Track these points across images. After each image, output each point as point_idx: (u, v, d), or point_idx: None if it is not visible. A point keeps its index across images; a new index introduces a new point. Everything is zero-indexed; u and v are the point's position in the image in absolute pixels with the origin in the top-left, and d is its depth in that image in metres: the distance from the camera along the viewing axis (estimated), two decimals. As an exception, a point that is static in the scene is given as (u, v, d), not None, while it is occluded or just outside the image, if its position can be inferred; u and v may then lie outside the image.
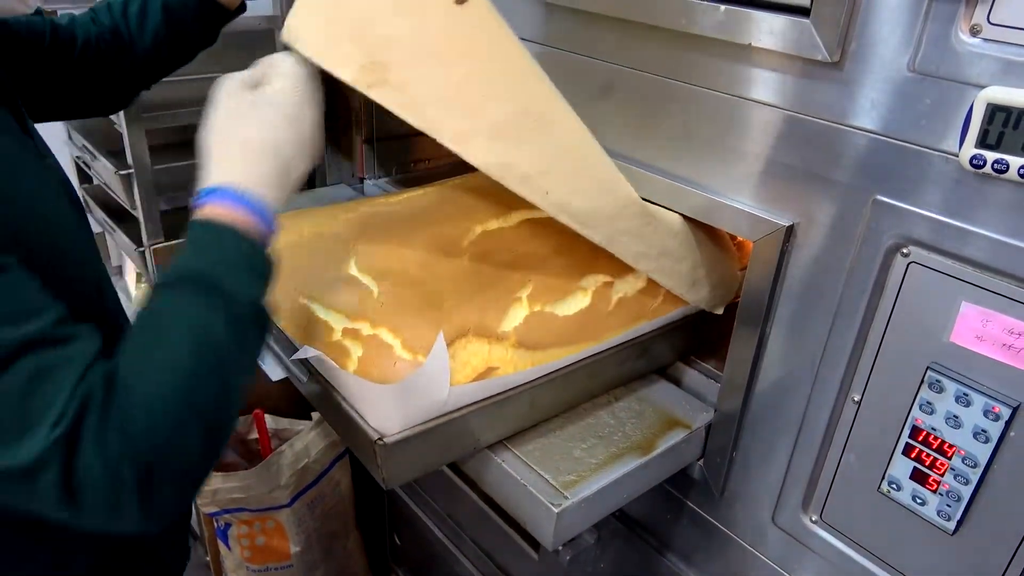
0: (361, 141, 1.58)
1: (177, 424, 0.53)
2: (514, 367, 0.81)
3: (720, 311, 0.99)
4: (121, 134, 1.56)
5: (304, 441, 1.61)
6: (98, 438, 0.49)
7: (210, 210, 0.62)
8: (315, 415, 1.70)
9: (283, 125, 0.68)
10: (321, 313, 0.83)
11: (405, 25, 0.72)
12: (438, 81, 0.72)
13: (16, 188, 0.61)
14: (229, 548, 1.64)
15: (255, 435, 1.72)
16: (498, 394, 0.80)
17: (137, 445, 0.51)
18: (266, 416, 1.70)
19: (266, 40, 1.73)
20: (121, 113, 1.51)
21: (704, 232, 0.94)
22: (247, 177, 0.64)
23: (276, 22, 1.69)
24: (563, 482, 0.80)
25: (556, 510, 0.76)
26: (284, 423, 1.75)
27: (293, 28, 0.73)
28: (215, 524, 1.62)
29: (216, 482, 1.49)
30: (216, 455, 0.58)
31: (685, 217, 0.90)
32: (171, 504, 0.54)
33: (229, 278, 0.59)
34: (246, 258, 0.62)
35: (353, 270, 0.86)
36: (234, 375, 0.58)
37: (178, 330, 0.56)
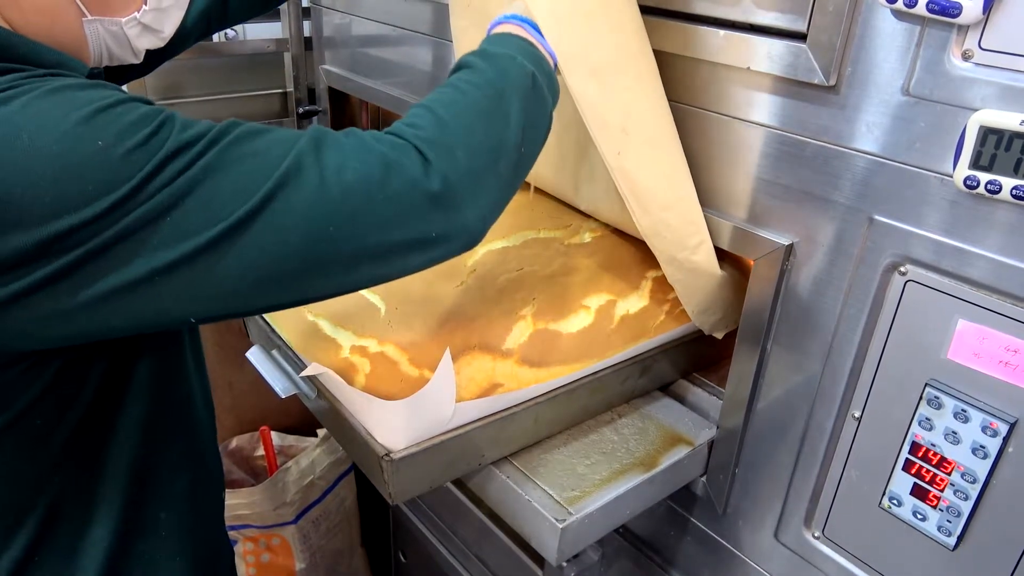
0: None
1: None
2: (518, 384, 0.82)
3: (720, 336, 1.00)
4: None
5: (310, 458, 1.62)
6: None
7: (502, 27, 0.71)
8: (321, 432, 1.71)
9: None
10: (329, 330, 0.84)
11: None
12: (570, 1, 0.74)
13: None
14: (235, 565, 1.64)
15: (261, 452, 1.73)
16: (503, 410, 0.82)
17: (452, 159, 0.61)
18: (272, 433, 1.71)
19: (275, 63, 1.76)
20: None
21: (733, 266, 0.95)
22: (540, 17, 0.72)
23: (285, 45, 1.72)
24: (567, 498, 0.81)
25: (560, 525, 0.77)
26: (290, 440, 1.77)
27: None
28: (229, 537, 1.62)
29: (222, 499, 1.50)
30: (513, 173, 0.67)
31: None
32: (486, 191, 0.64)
33: (511, 51, 0.68)
34: (533, 52, 0.70)
35: (360, 288, 0.88)
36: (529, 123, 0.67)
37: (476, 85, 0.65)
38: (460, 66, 0.68)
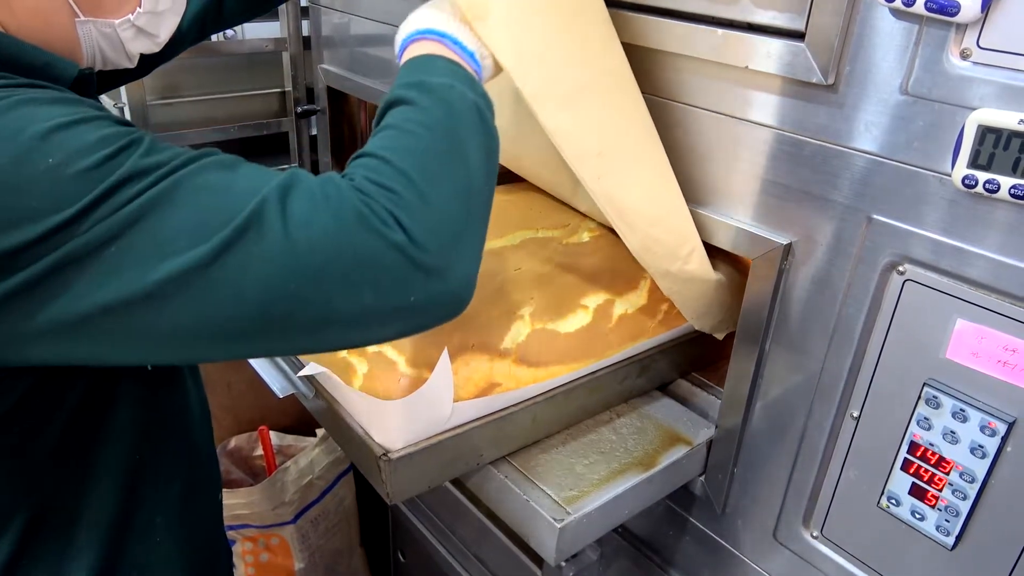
0: (366, 159, 1.60)
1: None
2: (516, 383, 0.82)
3: (721, 336, 1.00)
4: (130, 154, 1.58)
5: (308, 458, 1.61)
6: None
7: (419, 47, 0.65)
8: (320, 432, 1.71)
9: None
10: (327, 330, 0.84)
11: None
12: (530, 32, 0.72)
13: None
14: (234, 565, 1.64)
15: (260, 452, 1.73)
16: (501, 410, 0.82)
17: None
18: (271, 433, 1.71)
19: (274, 62, 1.76)
20: (131, 133, 1.53)
21: (732, 267, 0.95)
22: (459, 29, 0.66)
23: (283, 44, 1.72)
24: (565, 497, 0.81)
25: (559, 525, 0.77)
26: (289, 440, 1.76)
27: None
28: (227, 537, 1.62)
29: (221, 498, 1.50)
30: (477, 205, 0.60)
31: (718, 251, 0.89)
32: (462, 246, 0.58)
33: (447, 79, 0.62)
34: (465, 75, 0.64)
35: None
36: (472, 151, 0.60)
37: (415, 121, 0.59)
38: (398, 101, 0.61)
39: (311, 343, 0.56)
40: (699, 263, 0.86)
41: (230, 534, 1.58)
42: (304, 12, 1.64)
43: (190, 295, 0.49)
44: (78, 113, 0.52)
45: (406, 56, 0.67)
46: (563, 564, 1.02)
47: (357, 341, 0.57)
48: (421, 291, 0.54)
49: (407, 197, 0.54)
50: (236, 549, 1.61)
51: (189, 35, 1.02)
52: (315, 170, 1.87)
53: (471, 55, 0.67)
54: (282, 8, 1.67)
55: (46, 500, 0.68)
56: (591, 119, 0.76)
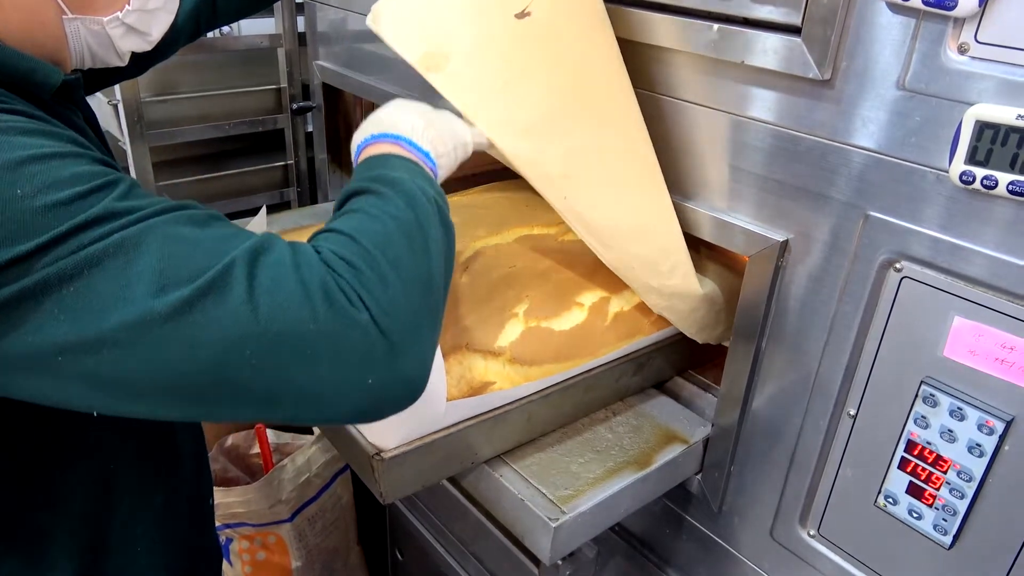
0: (363, 157, 1.59)
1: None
2: (510, 382, 0.81)
3: (727, 344, 1.00)
4: (125, 151, 1.58)
5: (305, 456, 1.61)
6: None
7: (375, 148, 0.66)
8: (316, 430, 1.71)
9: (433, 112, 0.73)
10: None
11: (470, 26, 0.75)
12: (488, 77, 0.75)
13: None
14: (230, 563, 1.64)
15: (256, 450, 1.73)
16: (495, 409, 0.81)
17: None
18: (268, 431, 1.70)
19: (269, 58, 1.75)
20: (126, 130, 1.53)
21: (730, 271, 0.94)
22: (412, 129, 0.68)
23: (279, 40, 1.71)
24: (560, 497, 0.80)
25: (553, 525, 0.76)
26: (286, 438, 1.76)
27: (377, 13, 0.75)
28: (218, 539, 1.62)
29: (217, 496, 1.49)
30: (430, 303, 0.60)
31: (712, 248, 0.89)
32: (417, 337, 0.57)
33: (406, 175, 0.63)
34: (422, 172, 0.65)
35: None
36: (428, 246, 0.60)
37: (370, 214, 0.59)
38: (360, 191, 0.61)
39: (261, 413, 0.54)
40: (683, 277, 0.86)
41: (227, 532, 1.58)
42: (300, 8, 1.63)
43: (143, 346, 0.48)
44: (54, 147, 0.51)
45: (362, 156, 0.68)
46: (560, 562, 1.02)
47: (306, 418, 0.55)
48: (379, 372, 0.53)
49: (372, 277, 0.54)
50: (233, 547, 1.61)
51: (184, 33, 1.01)
52: (311, 167, 1.87)
53: (426, 155, 0.68)
54: (277, 4, 1.66)
55: (13, 518, 0.66)
56: (555, 144, 0.77)
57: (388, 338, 0.53)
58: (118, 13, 0.67)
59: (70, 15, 0.64)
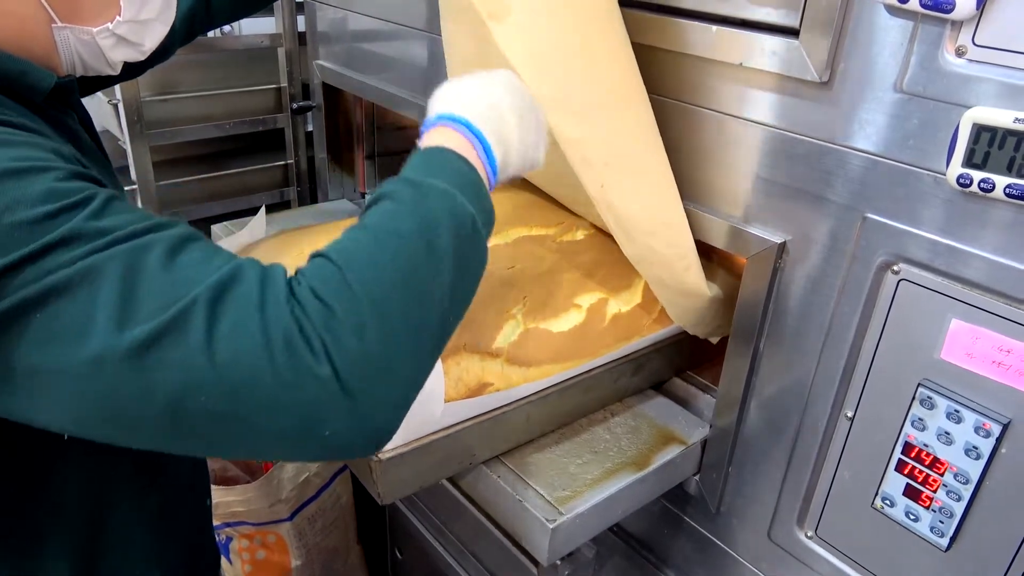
0: (362, 157, 1.60)
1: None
2: (508, 383, 0.81)
3: (716, 340, 1.00)
4: (125, 151, 1.58)
5: (305, 455, 1.61)
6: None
7: (439, 135, 0.61)
8: (316, 429, 1.71)
9: (529, 113, 0.68)
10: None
11: None
12: (549, 38, 0.71)
13: None
14: (230, 562, 1.64)
15: (256, 449, 1.73)
16: (493, 410, 0.81)
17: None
18: (267, 430, 1.70)
19: (269, 58, 1.75)
20: (126, 129, 1.53)
21: (727, 271, 0.94)
22: (486, 125, 0.63)
23: (279, 40, 1.71)
24: (558, 497, 0.80)
25: (551, 526, 0.77)
26: (285, 437, 1.76)
27: None
28: (216, 538, 1.62)
29: (217, 495, 1.50)
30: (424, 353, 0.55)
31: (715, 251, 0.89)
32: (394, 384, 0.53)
33: (460, 190, 0.57)
34: (472, 180, 0.60)
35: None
36: (439, 285, 0.55)
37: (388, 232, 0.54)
38: (385, 196, 0.57)
39: (222, 453, 0.54)
40: (696, 277, 0.86)
41: (227, 531, 1.58)
42: (300, 8, 1.63)
43: (101, 382, 0.47)
44: (30, 160, 0.49)
45: (425, 139, 0.63)
46: (558, 562, 1.02)
47: (270, 457, 0.53)
48: (338, 425, 0.50)
49: (345, 324, 0.50)
50: (232, 546, 1.61)
51: (178, 36, 1.00)
52: (311, 167, 1.87)
53: (492, 164, 0.63)
54: (277, 4, 1.66)
55: (8, 518, 0.66)
56: (602, 131, 0.75)
57: (348, 392, 0.49)
58: (108, 24, 0.66)
59: (59, 24, 0.63)
